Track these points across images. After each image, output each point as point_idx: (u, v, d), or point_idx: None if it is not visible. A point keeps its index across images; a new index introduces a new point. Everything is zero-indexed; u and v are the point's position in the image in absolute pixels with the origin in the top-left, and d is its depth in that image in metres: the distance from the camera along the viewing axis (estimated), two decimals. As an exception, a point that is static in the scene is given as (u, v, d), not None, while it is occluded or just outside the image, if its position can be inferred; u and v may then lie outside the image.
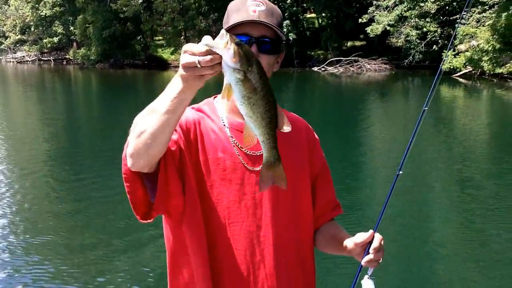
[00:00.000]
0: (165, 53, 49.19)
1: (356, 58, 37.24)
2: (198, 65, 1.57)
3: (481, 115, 19.88)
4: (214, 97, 2.21)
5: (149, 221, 1.99)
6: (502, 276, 6.47)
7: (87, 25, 50.54)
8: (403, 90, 29.93)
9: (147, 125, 1.74)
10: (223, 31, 1.61)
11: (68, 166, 12.40)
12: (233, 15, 2.01)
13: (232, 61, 1.58)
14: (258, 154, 2.05)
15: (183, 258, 2.06)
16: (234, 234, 2.04)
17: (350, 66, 37.07)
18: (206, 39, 1.58)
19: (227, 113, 2.08)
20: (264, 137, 1.70)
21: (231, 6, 2.07)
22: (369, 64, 36.75)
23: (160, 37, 52.76)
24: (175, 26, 47.81)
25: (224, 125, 2.09)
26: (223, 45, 1.57)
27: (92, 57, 50.14)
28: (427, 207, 8.89)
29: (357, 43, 42.76)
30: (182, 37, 47.65)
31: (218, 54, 1.57)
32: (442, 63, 3.70)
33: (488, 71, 28.45)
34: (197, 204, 2.00)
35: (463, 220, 8.33)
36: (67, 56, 57.14)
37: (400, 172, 2.40)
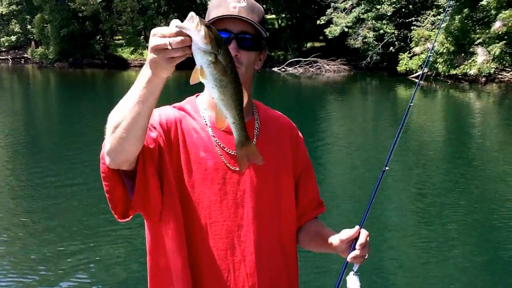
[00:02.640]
0: (125, 53, 48.76)
1: (315, 59, 37.59)
2: (169, 47, 1.55)
3: (436, 114, 20.44)
4: (197, 96, 2.17)
5: (127, 220, 1.96)
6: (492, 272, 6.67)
7: (44, 24, 49.79)
8: (363, 90, 30.43)
9: (120, 119, 1.72)
10: (192, 14, 1.58)
11: (25, 164, 12.42)
12: (213, 11, 2.01)
13: (203, 43, 1.56)
14: None
15: (162, 258, 2.03)
16: (214, 234, 2.01)
17: (310, 67, 37.40)
18: (176, 22, 1.57)
19: (210, 112, 2.07)
20: (234, 119, 1.70)
21: (212, 2, 2.06)
22: (328, 65, 37.14)
23: (120, 37, 52.27)
24: (134, 26, 47.49)
25: (206, 124, 2.06)
26: (194, 27, 1.55)
27: (51, 56, 49.46)
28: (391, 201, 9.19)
29: (317, 44, 43.14)
30: (142, 37, 47.35)
31: (188, 36, 1.56)
32: (424, 65, 3.75)
33: (443, 73, 29.11)
34: (176, 204, 1.97)
35: (443, 217, 8.60)
36: (25, 55, 56.13)
37: (387, 168, 2.41)
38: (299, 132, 2.29)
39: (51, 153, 13.78)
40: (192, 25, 1.55)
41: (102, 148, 1.83)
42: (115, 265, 6.85)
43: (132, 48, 47.86)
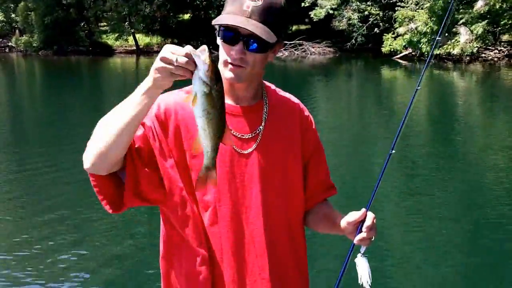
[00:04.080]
0: (110, 39, 48.54)
1: (301, 41, 37.66)
2: (174, 63, 1.67)
3: (420, 94, 20.53)
4: None
5: (118, 212, 2.05)
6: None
7: (28, 12, 49.40)
8: (348, 72, 30.62)
9: (108, 130, 1.83)
10: (204, 47, 1.70)
11: (11, 154, 12.32)
12: (228, 6, 1.98)
13: (205, 74, 1.69)
14: (247, 136, 2.07)
15: (179, 244, 2.09)
16: (223, 216, 2.04)
17: (295, 50, 37.45)
18: (189, 48, 1.70)
19: None
20: (209, 149, 1.81)
21: None
22: (313, 47, 37.25)
23: (105, 23, 51.94)
24: (119, 12, 47.13)
25: None
26: (203, 58, 1.69)
27: (35, 44, 49.04)
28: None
29: (302, 27, 43.19)
30: (127, 23, 47.07)
31: (194, 62, 1.70)
32: (432, 50, 3.69)
33: (426, 53, 29.29)
34: (181, 188, 2.03)
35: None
36: (9, 44, 55.65)
37: (393, 151, 2.40)
38: (310, 114, 2.29)
39: (37, 142, 13.76)
40: (202, 56, 1.69)
41: (86, 151, 1.91)
42: (118, 252, 6.81)
43: (116, 35, 47.65)
